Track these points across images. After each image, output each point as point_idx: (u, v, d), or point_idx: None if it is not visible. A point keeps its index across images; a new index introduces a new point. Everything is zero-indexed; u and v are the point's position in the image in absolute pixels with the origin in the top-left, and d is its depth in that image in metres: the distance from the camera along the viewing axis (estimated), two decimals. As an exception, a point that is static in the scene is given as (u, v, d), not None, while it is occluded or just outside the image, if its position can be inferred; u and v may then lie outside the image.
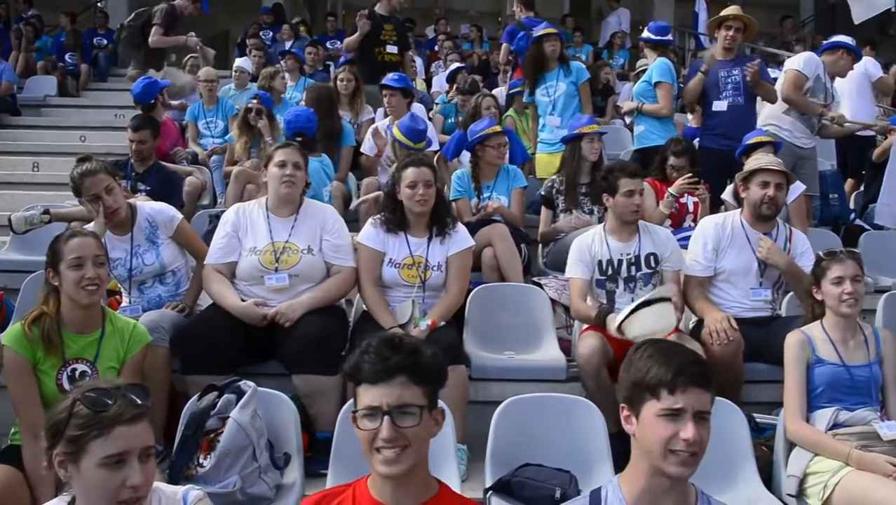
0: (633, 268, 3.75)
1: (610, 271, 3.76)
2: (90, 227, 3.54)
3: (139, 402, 1.72)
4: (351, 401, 2.89)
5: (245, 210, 3.68)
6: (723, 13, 5.54)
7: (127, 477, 1.66)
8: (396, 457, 1.73)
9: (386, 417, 1.72)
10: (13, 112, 9.30)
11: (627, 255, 3.76)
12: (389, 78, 5.81)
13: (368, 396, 1.74)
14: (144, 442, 1.70)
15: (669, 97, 5.81)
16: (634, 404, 1.83)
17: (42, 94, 9.97)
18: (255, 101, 5.81)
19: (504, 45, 7.84)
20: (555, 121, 5.83)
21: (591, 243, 3.79)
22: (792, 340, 3.10)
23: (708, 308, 3.65)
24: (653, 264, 3.77)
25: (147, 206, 3.79)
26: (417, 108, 6.04)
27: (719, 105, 5.48)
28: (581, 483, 2.81)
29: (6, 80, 9.30)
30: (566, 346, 4.04)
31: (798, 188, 4.84)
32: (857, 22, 7.40)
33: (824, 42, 5.93)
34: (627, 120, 6.64)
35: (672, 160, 5.05)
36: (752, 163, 3.85)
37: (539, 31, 6.04)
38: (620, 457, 3.15)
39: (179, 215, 3.81)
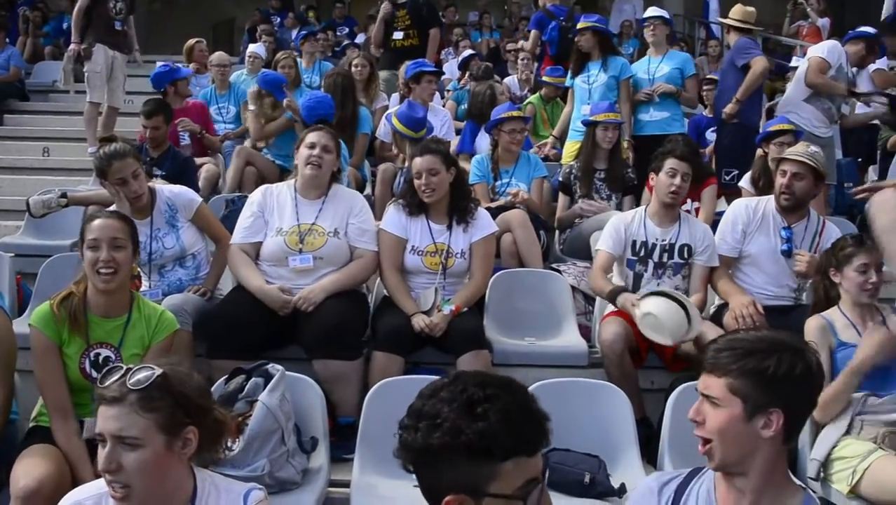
0: (665, 255, 3.75)
1: (643, 253, 3.76)
2: (112, 209, 3.54)
3: None
4: (380, 383, 2.94)
5: (273, 191, 3.68)
6: None
7: None
8: None
9: (542, 484, 1.43)
10: (21, 97, 9.29)
11: (663, 241, 3.75)
12: (426, 64, 5.82)
13: (526, 469, 1.38)
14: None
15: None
16: None
17: (50, 79, 9.91)
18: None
19: (533, 33, 7.80)
20: (587, 110, 5.82)
21: (629, 222, 3.79)
22: (813, 325, 3.09)
23: (733, 290, 3.64)
24: (685, 255, 3.75)
25: (166, 189, 3.77)
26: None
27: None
28: (609, 468, 2.82)
29: (14, 66, 9.27)
30: (585, 332, 4.03)
31: None
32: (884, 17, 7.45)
33: (849, 32, 5.91)
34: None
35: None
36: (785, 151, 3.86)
37: (581, 24, 5.99)
38: (645, 443, 3.19)
39: (198, 198, 3.80)
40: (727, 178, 5.23)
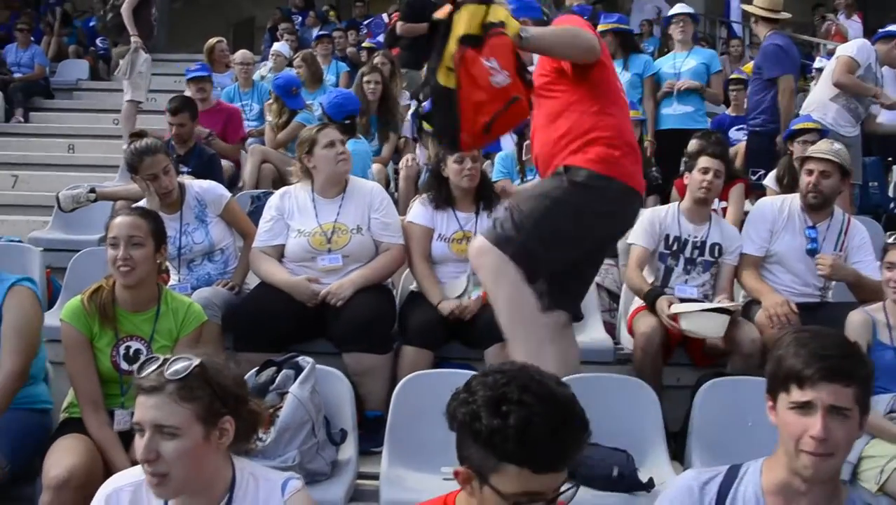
0: (696, 251, 3.76)
1: (675, 248, 3.78)
2: (142, 204, 3.58)
3: None
4: (409, 377, 2.97)
5: (291, 193, 3.70)
6: None
7: None
8: None
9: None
10: (46, 95, 9.40)
11: (695, 238, 3.77)
12: None
13: (529, 483, 1.44)
14: None
15: None
16: (773, 396, 1.74)
17: (74, 77, 10.06)
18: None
19: None
20: None
21: (663, 217, 3.81)
22: (855, 319, 3.07)
23: (765, 290, 3.63)
24: (716, 254, 3.77)
25: (196, 184, 3.81)
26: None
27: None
28: (637, 462, 2.82)
29: (38, 64, 9.41)
30: (610, 329, 4.03)
31: None
32: None
33: (879, 30, 5.87)
34: None
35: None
36: (809, 150, 3.84)
37: (602, 26, 5.98)
38: (669, 441, 3.19)
39: (228, 193, 3.84)
40: (753, 177, 5.20)
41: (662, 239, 3.77)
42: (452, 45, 2.48)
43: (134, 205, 3.56)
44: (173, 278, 3.74)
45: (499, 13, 2.52)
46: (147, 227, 2.79)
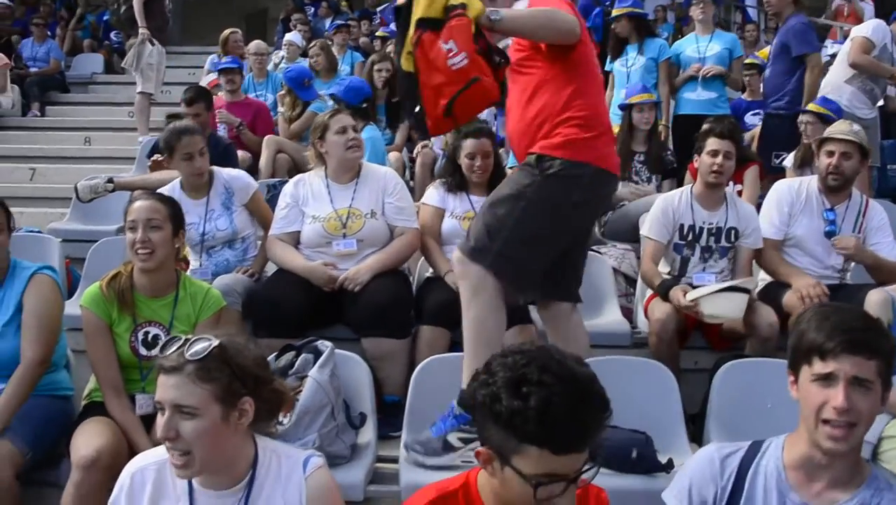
0: (712, 238, 3.70)
1: (690, 237, 3.71)
2: (170, 186, 3.67)
3: None
4: (427, 361, 2.99)
5: (305, 180, 3.72)
6: None
7: None
8: None
9: (571, 486, 1.48)
10: (62, 89, 9.46)
11: (710, 224, 3.70)
12: None
13: (549, 463, 1.45)
14: None
15: None
16: (795, 370, 1.74)
17: (89, 71, 10.13)
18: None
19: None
20: (622, 96, 5.80)
21: (676, 205, 3.73)
22: (875, 298, 3.05)
23: (794, 272, 3.61)
24: (732, 239, 3.71)
25: (224, 172, 3.86)
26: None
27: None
28: (656, 444, 2.82)
29: (54, 59, 9.47)
30: (627, 314, 4.03)
31: None
32: None
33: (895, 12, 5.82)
34: None
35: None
36: (826, 131, 3.80)
37: (617, 10, 5.96)
38: (687, 423, 3.18)
39: (255, 183, 3.89)
40: (777, 161, 5.15)
41: (676, 230, 3.71)
42: (412, 30, 2.46)
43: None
44: (193, 263, 3.77)
45: None
46: (165, 210, 2.81)
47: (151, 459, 1.84)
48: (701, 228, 3.70)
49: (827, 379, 1.64)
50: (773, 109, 5.45)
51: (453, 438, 2.71)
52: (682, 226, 3.71)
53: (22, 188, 6.57)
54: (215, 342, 1.74)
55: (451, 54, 2.41)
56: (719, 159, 3.67)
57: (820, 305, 1.80)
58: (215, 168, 3.83)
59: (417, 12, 2.46)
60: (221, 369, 1.72)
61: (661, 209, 3.73)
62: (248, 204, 3.78)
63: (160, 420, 1.71)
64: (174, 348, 1.74)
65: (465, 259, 2.68)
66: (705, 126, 4.04)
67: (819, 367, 1.65)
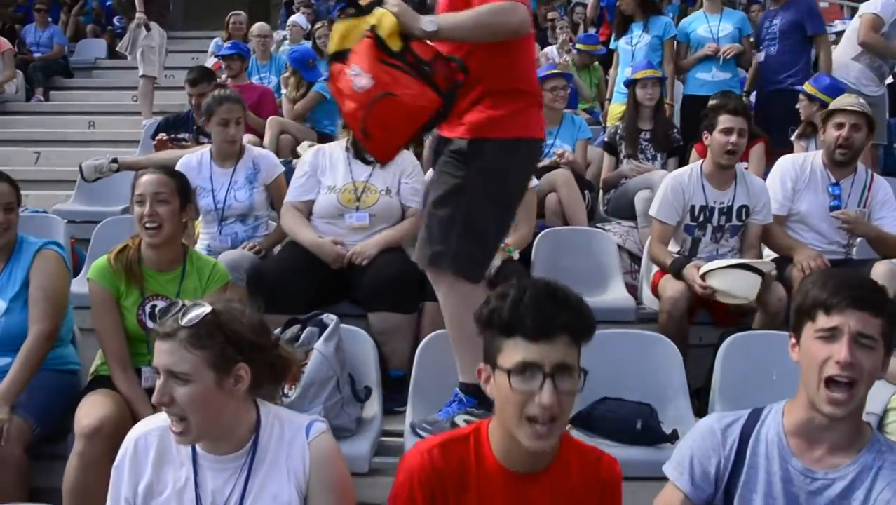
0: (723, 217, 3.63)
1: (702, 218, 3.64)
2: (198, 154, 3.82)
3: None
4: (431, 335, 2.98)
5: (325, 150, 3.74)
6: None
7: None
8: (549, 431, 1.57)
9: (548, 380, 1.54)
10: (66, 74, 9.46)
11: (721, 203, 3.62)
12: None
13: (524, 351, 1.54)
14: None
15: None
16: (797, 331, 1.72)
17: (93, 56, 10.12)
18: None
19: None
20: (629, 73, 5.77)
21: (686, 184, 3.63)
22: (880, 270, 3.05)
23: (797, 245, 3.60)
24: (743, 217, 3.65)
25: (256, 149, 3.99)
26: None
27: (759, 56, 5.55)
28: (660, 416, 2.83)
29: (57, 44, 9.47)
30: (632, 291, 4.02)
31: None
32: None
33: None
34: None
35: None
36: (832, 103, 3.77)
37: None
38: (692, 398, 3.19)
39: (282, 167, 3.95)
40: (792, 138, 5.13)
41: (687, 211, 3.64)
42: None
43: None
44: (202, 237, 3.79)
45: (373, 17, 2.38)
46: (173, 184, 2.82)
47: (155, 425, 1.84)
48: (712, 208, 3.63)
49: (831, 334, 1.63)
50: (788, 84, 5.39)
51: (460, 420, 2.70)
52: (693, 207, 3.64)
53: (27, 171, 6.55)
54: (208, 308, 1.74)
55: (356, 78, 2.36)
56: (733, 137, 3.56)
57: (826, 269, 1.79)
58: (248, 144, 3.91)
59: (330, 48, 2.46)
60: (214, 336, 1.72)
61: (670, 189, 3.64)
62: (271, 185, 3.84)
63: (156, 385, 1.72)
64: (171, 314, 1.75)
65: (429, 268, 2.61)
66: (714, 102, 4.01)
67: (823, 321, 1.64)
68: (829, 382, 1.63)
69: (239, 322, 1.78)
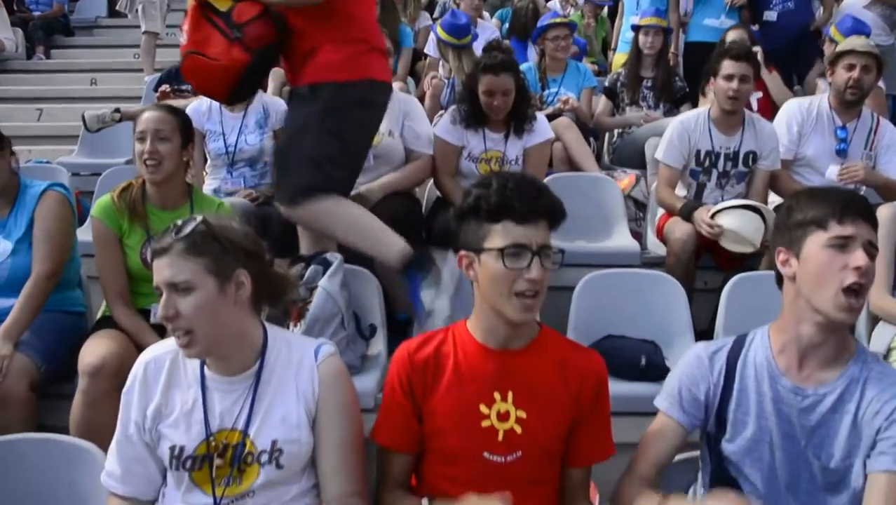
0: (729, 163, 3.62)
1: (707, 163, 3.63)
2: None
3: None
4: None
5: None
6: None
7: None
8: (533, 303, 1.69)
9: (535, 258, 1.66)
10: (66, 33, 9.37)
11: (727, 149, 3.61)
12: None
13: (513, 234, 1.66)
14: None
15: None
16: (795, 244, 1.70)
17: (93, 15, 10.02)
18: None
19: None
20: (636, 20, 5.70)
21: (693, 128, 3.62)
22: (886, 213, 3.01)
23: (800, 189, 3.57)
24: (750, 163, 3.62)
25: (267, 95, 3.99)
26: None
27: (769, 15, 5.44)
28: (665, 353, 2.84)
29: (57, 2, 9.35)
30: (637, 238, 4.01)
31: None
32: None
33: None
34: None
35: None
36: (841, 45, 3.73)
37: None
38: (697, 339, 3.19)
39: None
40: None
41: (693, 155, 3.63)
42: None
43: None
44: (211, 178, 3.82)
45: None
46: (174, 122, 2.79)
47: (165, 349, 1.84)
48: (718, 153, 3.62)
49: (845, 242, 1.64)
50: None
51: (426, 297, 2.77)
52: (698, 151, 3.62)
53: (30, 127, 6.56)
54: (200, 218, 1.75)
55: (182, 32, 2.73)
56: (734, 84, 3.52)
57: (811, 189, 1.83)
58: (260, 90, 3.88)
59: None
60: (210, 243, 1.72)
61: (676, 134, 3.62)
62: (280, 131, 3.81)
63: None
64: (165, 234, 1.75)
65: (291, 210, 2.76)
66: (719, 48, 3.96)
67: (837, 230, 1.64)
68: (848, 289, 1.63)
69: (232, 231, 1.78)
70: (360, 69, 2.75)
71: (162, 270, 1.71)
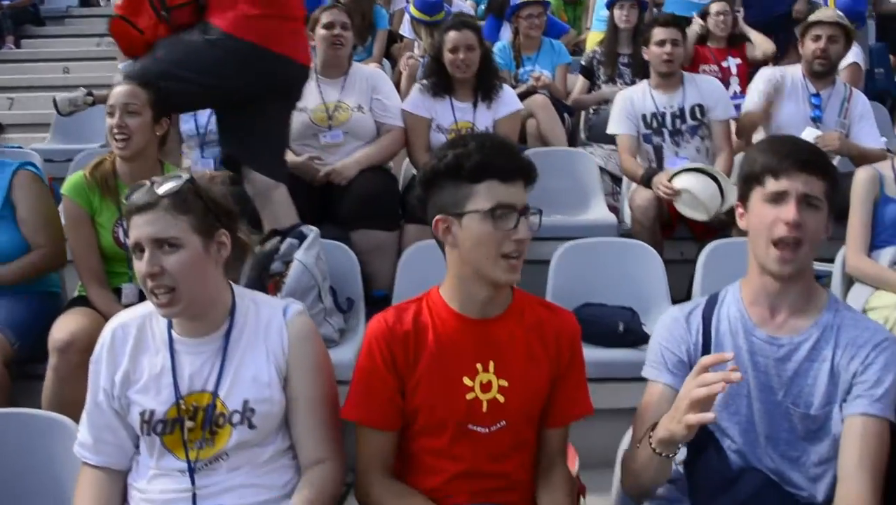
0: (677, 120, 3.75)
1: (655, 124, 3.77)
2: None
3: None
4: (411, 248, 2.98)
5: None
6: None
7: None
8: (518, 264, 1.66)
9: (522, 218, 1.63)
10: (37, 23, 9.25)
11: (671, 107, 3.76)
12: None
13: (498, 193, 1.62)
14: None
15: None
16: (745, 197, 1.74)
17: (64, 5, 9.89)
18: None
19: None
20: None
21: (633, 97, 3.81)
22: (862, 176, 3.04)
23: None
24: (698, 115, 3.75)
25: None
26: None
27: None
28: (642, 319, 2.85)
29: (25, -9, 9.22)
30: (613, 212, 4.03)
31: (851, 56, 4.70)
32: None
33: None
34: None
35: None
36: (811, 17, 3.77)
37: None
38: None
39: None
40: None
41: (640, 120, 3.77)
42: None
43: None
44: (184, 161, 3.76)
45: None
46: (145, 96, 2.74)
47: (133, 315, 1.81)
48: (663, 113, 3.76)
49: (779, 197, 1.66)
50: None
51: None
52: (644, 116, 3.77)
53: (1, 115, 6.46)
54: (186, 176, 1.73)
55: None
56: (667, 48, 3.73)
57: (771, 137, 1.83)
58: None
59: None
60: (196, 202, 1.70)
61: (620, 105, 3.81)
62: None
63: (139, 262, 1.68)
64: (142, 189, 1.71)
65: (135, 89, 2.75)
66: (648, 19, 4.05)
67: (772, 185, 1.66)
68: (778, 242, 1.65)
69: (213, 191, 1.77)
70: (255, 33, 2.74)
71: (146, 226, 1.67)
